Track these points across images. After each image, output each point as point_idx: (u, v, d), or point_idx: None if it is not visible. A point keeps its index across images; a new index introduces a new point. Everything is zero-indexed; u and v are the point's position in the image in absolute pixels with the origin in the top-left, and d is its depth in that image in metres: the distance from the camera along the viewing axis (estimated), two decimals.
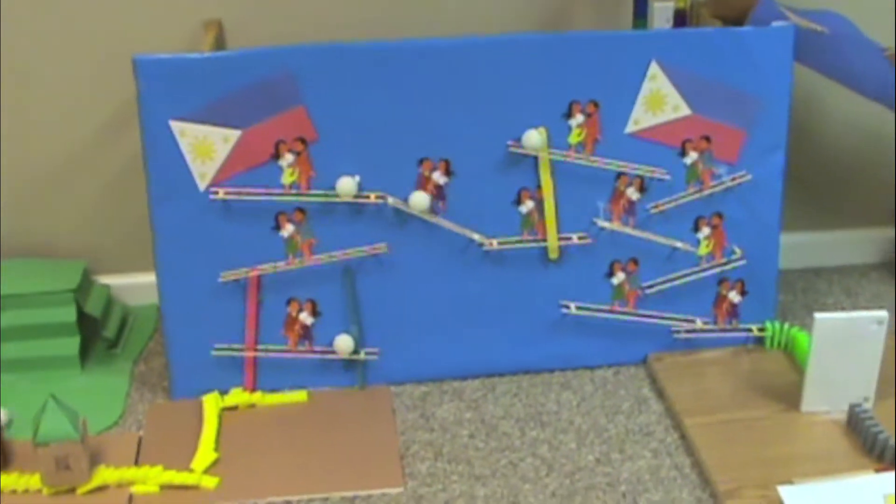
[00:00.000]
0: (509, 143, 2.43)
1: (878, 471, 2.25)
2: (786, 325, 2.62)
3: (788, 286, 2.91)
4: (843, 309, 2.81)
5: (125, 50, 2.38)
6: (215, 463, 2.32)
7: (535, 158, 2.45)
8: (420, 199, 2.39)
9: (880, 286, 2.95)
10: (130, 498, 2.22)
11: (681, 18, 2.56)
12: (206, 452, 2.32)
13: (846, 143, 2.96)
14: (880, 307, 2.68)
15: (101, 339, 2.62)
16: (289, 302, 2.49)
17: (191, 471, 2.28)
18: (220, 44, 2.57)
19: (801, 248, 3.02)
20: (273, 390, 2.52)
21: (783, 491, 2.18)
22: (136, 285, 2.74)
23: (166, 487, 2.25)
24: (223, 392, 2.49)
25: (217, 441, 2.37)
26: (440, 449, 2.36)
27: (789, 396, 2.46)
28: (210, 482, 2.25)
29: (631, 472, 2.29)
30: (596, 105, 2.43)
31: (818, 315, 2.35)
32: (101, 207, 2.74)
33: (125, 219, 2.66)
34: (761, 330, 2.64)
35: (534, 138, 2.39)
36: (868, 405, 2.42)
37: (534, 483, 2.26)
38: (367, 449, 2.37)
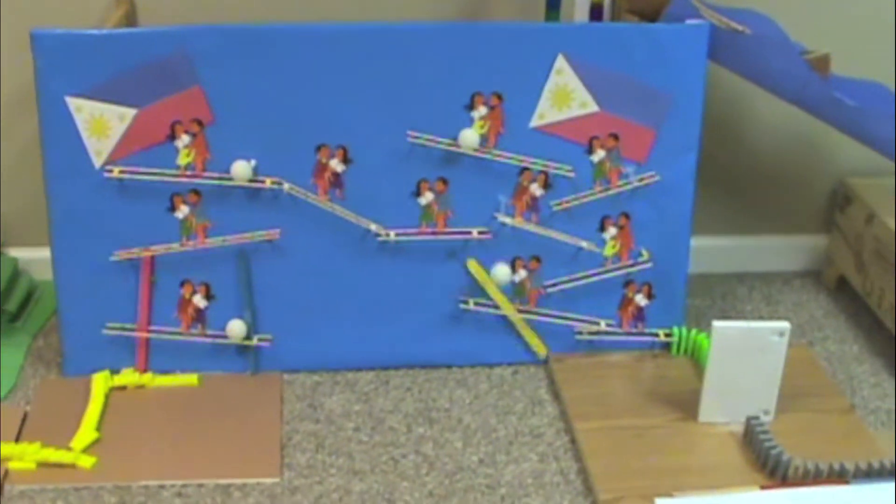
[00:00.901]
0: (410, 133, 2.35)
1: (763, 488, 2.18)
2: (693, 331, 2.54)
3: (707, 291, 2.86)
4: (760, 317, 2.75)
5: (35, 24, 2.32)
6: (96, 442, 2.29)
7: (436, 150, 2.39)
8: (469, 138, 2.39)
9: (802, 295, 2.90)
10: (6, 473, 2.20)
11: (597, 12, 2.50)
12: (87, 431, 2.30)
13: (776, 147, 2.91)
14: (800, 317, 2.66)
15: (3, 313, 2.56)
16: (182, 284, 2.46)
17: (69, 449, 2.25)
18: (130, 21, 2.54)
19: (724, 252, 2.97)
20: (165, 372, 2.48)
21: None
22: (46, 259, 2.69)
23: (43, 465, 2.22)
24: (115, 371, 2.46)
25: (101, 421, 2.34)
26: (323, 441, 2.32)
27: (688, 405, 2.41)
28: (87, 462, 2.23)
29: (514, 475, 2.25)
30: (500, 97, 2.38)
31: (716, 323, 2.30)
32: (13, 179, 2.72)
33: (37, 191, 2.61)
34: (668, 335, 2.59)
35: (469, 137, 2.34)
36: (767, 418, 2.37)
37: (412, 481, 2.22)
38: (250, 437, 2.34)
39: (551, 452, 2.31)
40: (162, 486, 2.19)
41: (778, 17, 2.50)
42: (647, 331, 2.59)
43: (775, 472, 2.24)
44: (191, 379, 2.46)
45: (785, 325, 2.29)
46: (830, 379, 2.58)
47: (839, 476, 2.21)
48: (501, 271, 2.39)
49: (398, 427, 2.36)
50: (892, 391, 2.56)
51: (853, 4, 2.73)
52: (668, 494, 2.15)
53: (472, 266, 2.44)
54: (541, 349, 2.53)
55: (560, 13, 2.52)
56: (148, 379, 2.46)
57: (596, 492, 2.20)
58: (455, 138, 2.39)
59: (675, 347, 2.59)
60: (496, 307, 2.49)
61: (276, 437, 2.32)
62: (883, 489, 2.16)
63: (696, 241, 2.73)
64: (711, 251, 2.90)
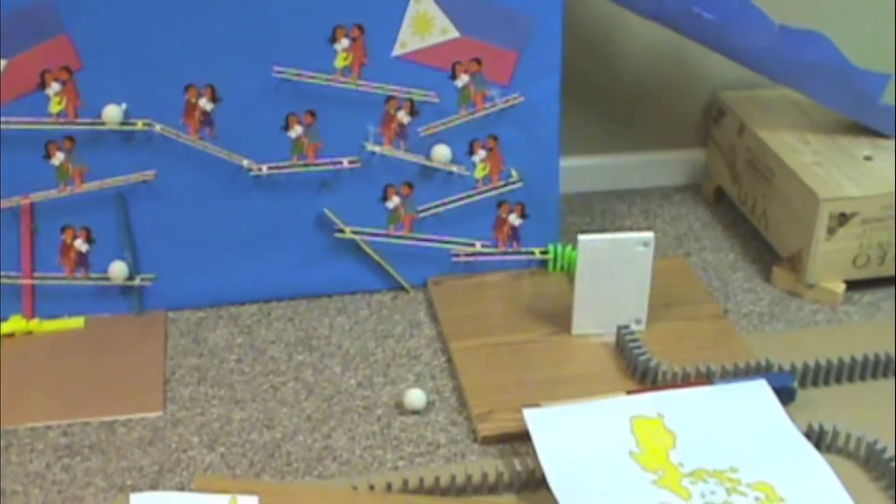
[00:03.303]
0: (276, 68, 2.40)
1: (629, 392, 2.25)
2: (568, 248, 2.61)
3: (587, 208, 2.94)
4: (638, 230, 2.81)
5: None
6: None
7: (302, 83, 2.47)
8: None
9: (681, 208, 2.98)
10: None
11: None
12: None
13: (649, 65, 2.98)
14: (678, 229, 2.81)
15: None
16: (63, 230, 2.50)
17: None
18: None
19: (603, 170, 3.05)
20: (52, 317, 2.52)
21: (528, 413, 2.18)
22: None
23: None
24: (2, 319, 2.49)
25: None
26: (206, 374, 2.38)
27: (564, 320, 2.48)
28: None
29: (390, 395, 2.32)
30: (361, 29, 2.43)
31: (581, 236, 2.37)
32: None
33: None
34: (544, 252, 2.66)
35: (442, 152, 2.44)
36: (639, 327, 2.44)
37: (291, 406, 2.28)
38: (134, 374, 2.39)
39: (428, 372, 2.38)
40: (48, 427, 2.24)
41: None
42: (523, 249, 2.65)
43: (644, 378, 2.31)
44: (77, 322, 2.51)
45: (649, 235, 2.36)
46: (705, 287, 2.65)
47: (706, 378, 2.27)
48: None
49: (279, 356, 2.42)
50: (765, 295, 2.63)
51: None
52: (536, 404, 2.19)
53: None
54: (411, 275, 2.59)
55: None
56: (35, 325, 2.50)
57: (469, 407, 2.26)
58: (321, 71, 2.44)
59: (551, 264, 2.66)
60: (372, 235, 2.52)
61: (160, 372, 2.38)
62: (745, 387, 2.24)
63: (574, 161, 2.83)
64: (590, 170, 2.97)
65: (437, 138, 2.54)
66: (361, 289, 2.63)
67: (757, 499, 1.97)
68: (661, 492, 1.99)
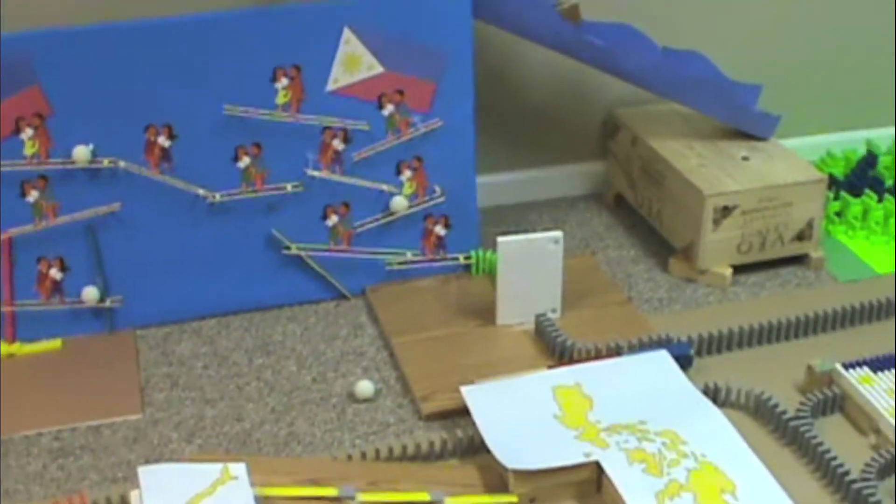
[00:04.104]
0: (225, 106, 2.74)
1: (550, 367, 2.61)
2: (488, 253, 2.96)
3: (503, 220, 3.27)
4: None
5: None
6: None
7: (249, 119, 2.81)
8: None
9: (586, 214, 3.35)
10: None
11: None
12: None
13: (551, 88, 3.33)
14: (585, 232, 3.20)
15: None
16: (39, 260, 2.79)
17: None
18: None
19: (516, 185, 3.39)
20: (31, 340, 2.80)
21: (465, 390, 2.52)
22: None
23: None
24: None
25: None
26: (177, 380, 2.68)
27: (488, 314, 2.82)
28: None
29: (342, 387, 2.64)
30: (298, 69, 2.77)
31: (500, 238, 2.71)
32: None
33: None
34: (467, 258, 2.99)
35: (365, 388, 2.68)
36: (555, 315, 2.79)
37: (256, 402, 2.60)
38: (112, 385, 2.68)
39: (373, 366, 2.71)
40: (41, 434, 2.53)
41: None
42: (448, 256, 3.00)
43: (563, 357, 2.66)
44: (55, 344, 2.80)
45: (558, 233, 2.72)
46: (611, 279, 3.01)
47: (615, 351, 2.63)
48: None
49: (241, 361, 2.74)
50: (663, 283, 3.02)
51: None
52: (471, 382, 2.54)
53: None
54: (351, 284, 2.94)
55: None
56: (17, 348, 2.78)
57: (413, 391, 2.60)
58: (265, 107, 2.79)
59: (474, 268, 3.00)
60: (315, 250, 2.87)
61: (136, 381, 2.67)
62: (649, 357, 2.61)
63: (490, 178, 3.19)
64: (505, 185, 3.33)
65: (370, 163, 2.87)
66: (308, 299, 2.94)
67: (663, 443, 2.33)
68: (584, 444, 2.34)
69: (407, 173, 2.89)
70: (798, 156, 3.13)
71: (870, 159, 3.46)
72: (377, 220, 2.91)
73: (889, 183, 3.34)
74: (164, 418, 2.56)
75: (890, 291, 2.88)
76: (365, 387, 2.59)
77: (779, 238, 3.02)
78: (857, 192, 3.31)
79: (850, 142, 3.61)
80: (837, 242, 3.22)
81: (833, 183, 3.31)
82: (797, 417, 2.48)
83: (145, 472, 2.14)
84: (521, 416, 2.45)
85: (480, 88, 2.94)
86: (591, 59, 3.03)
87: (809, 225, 3.03)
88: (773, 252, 3.06)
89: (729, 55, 3.25)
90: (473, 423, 2.44)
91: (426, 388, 2.61)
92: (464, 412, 2.50)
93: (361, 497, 2.19)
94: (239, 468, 2.16)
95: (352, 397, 2.63)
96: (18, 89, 2.67)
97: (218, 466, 2.15)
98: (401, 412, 2.57)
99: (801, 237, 3.05)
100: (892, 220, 3.22)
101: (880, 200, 3.26)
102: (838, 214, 3.28)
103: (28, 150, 2.71)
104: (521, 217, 3.31)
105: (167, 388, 2.66)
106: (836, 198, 3.29)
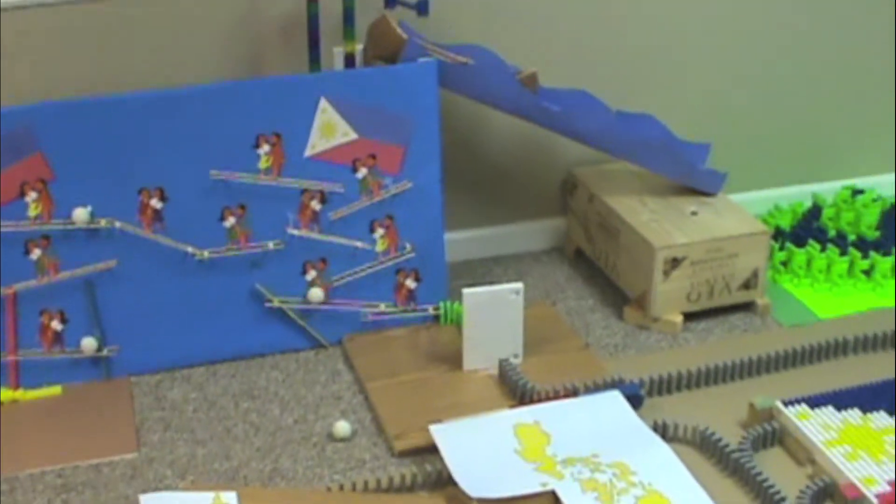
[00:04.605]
0: (212, 171, 2.99)
1: (511, 407, 2.85)
2: (456, 304, 3.20)
3: (471, 273, 3.51)
4: None
5: None
6: None
7: (234, 183, 3.04)
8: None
9: (548, 266, 3.59)
10: None
11: (350, 60, 3.14)
12: None
13: (513, 151, 3.56)
14: (546, 283, 3.41)
15: None
16: (41, 313, 3.01)
17: None
18: None
19: (481, 241, 3.63)
20: (33, 387, 3.01)
21: (433, 429, 2.75)
22: None
23: None
24: None
25: None
26: (169, 423, 2.90)
27: (456, 360, 3.05)
28: None
29: (322, 427, 2.87)
30: (279, 136, 3.02)
31: (465, 290, 2.95)
32: None
33: None
34: (436, 309, 3.23)
35: (343, 428, 2.90)
36: (517, 361, 3.02)
37: (243, 442, 2.83)
38: (110, 427, 2.90)
39: (350, 408, 2.95)
40: (44, 472, 2.74)
41: None
42: (418, 308, 3.23)
43: (523, 398, 2.89)
44: (55, 390, 3.01)
45: (519, 285, 2.96)
46: (570, 327, 3.25)
47: (571, 392, 2.87)
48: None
49: (228, 405, 2.97)
50: (618, 330, 3.26)
51: None
52: (439, 421, 2.78)
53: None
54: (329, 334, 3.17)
55: (321, 63, 3.14)
56: (20, 394, 2.99)
57: (386, 430, 2.83)
58: (248, 171, 3.03)
59: (442, 318, 3.23)
60: (299, 302, 3.11)
61: (131, 424, 2.89)
62: (602, 397, 2.84)
63: (458, 234, 3.42)
64: (471, 241, 3.57)
65: (345, 222, 3.11)
66: (290, 348, 3.17)
67: (614, 474, 2.57)
68: (542, 475, 2.58)
69: (380, 231, 3.13)
70: (744, 210, 3.36)
71: (815, 211, 3.69)
72: (353, 273, 3.14)
73: (832, 234, 3.56)
74: (158, 457, 2.78)
75: (829, 335, 3.11)
76: (342, 427, 2.80)
77: (726, 287, 3.24)
78: (802, 243, 3.53)
79: (797, 195, 3.85)
80: (783, 290, 3.44)
81: (779, 234, 3.56)
82: (739, 450, 2.69)
83: (147, 500, 2.38)
84: (485, 451, 2.67)
85: (447, 151, 3.20)
86: (548, 123, 3.26)
87: (755, 274, 3.24)
88: (721, 300, 3.28)
89: (680, 116, 3.51)
90: (442, 459, 2.66)
91: (398, 428, 2.83)
92: (433, 449, 2.72)
93: None
94: (230, 496, 2.40)
95: (330, 437, 2.84)
96: (23, 156, 2.90)
97: (210, 495, 2.39)
98: (375, 450, 2.80)
99: (747, 286, 3.26)
100: (834, 268, 3.47)
101: (823, 250, 3.47)
102: (784, 264, 3.49)
103: (32, 212, 2.93)
104: (487, 271, 3.55)
105: (160, 429, 2.87)
106: (782, 248, 3.51)
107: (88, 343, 3.02)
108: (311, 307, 3.12)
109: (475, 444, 2.69)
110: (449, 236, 3.26)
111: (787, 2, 3.63)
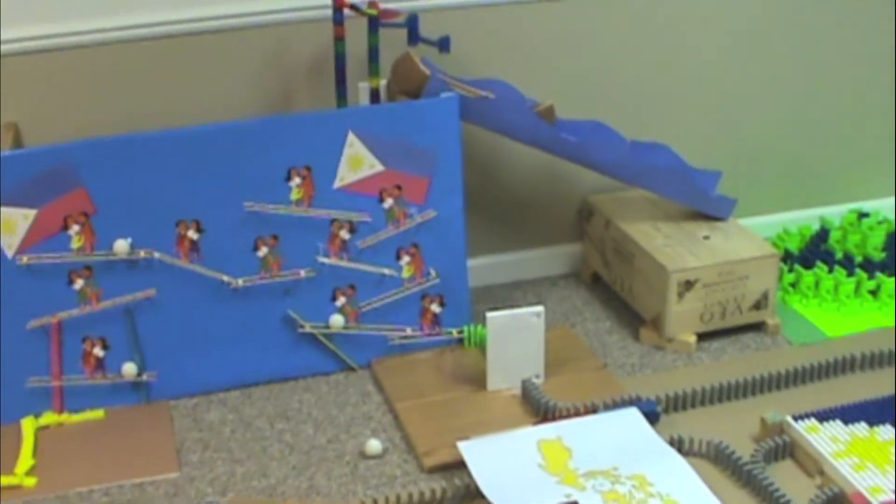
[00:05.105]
0: (245, 203, 3.14)
1: (534, 424, 2.98)
2: (479, 327, 3.33)
3: (491, 298, 3.64)
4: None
5: None
6: (34, 467, 2.95)
7: (266, 214, 3.16)
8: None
9: (565, 291, 3.73)
10: None
11: (375, 95, 3.29)
12: (25, 460, 2.95)
13: (531, 180, 3.69)
14: (564, 307, 3.53)
15: None
16: (84, 340, 3.14)
17: (14, 475, 2.91)
18: (17, 141, 3.20)
19: (502, 267, 3.76)
20: (77, 410, 3.15)
21: (461, 445, 2.88)
22: None
23: None
24: (37, 415, 3.12)
25: (35, 452, 2.99)
26: (208, 443, 3.03)
27: (480, 381, 3.18)
28: (30, 482, 2.88)
29: (354, 446, 3.00)
30: (309, 169, 3.16)
31: (489, 313, 3.08)
32: None
33: None
34: (460, 332, 3.36)
35: (374, 446, 3.03)
36: (539, 380, 3.15)
37: (279, 461, 2.96)
38: (151, 448, 3.02)
39: (381, 428, 3.08)
40: (91, 491, 2.86)
41: None
42: (443, 331, 3.36)
43: (546, 415, 3.01)
44: (98, 413, 3.14)
45: (540, 308, 3.10)
46: (588, 348, 3.38)
47: (591, 410, 3.01)
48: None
49: (263, 426, 3.10)
50: (635, 350, 3.38)
51: None
52: (467, 438, 2.91)
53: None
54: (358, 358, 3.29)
55: (347, 99, 3.28)
56: (65, 417, 3.12)
57: (416, 448, 2.96)
58: (280, 203, 3.15)
59: (466, 341, 3.36)
60: (327, 327, 3.26)
61: (171, 445, 3.02)
62: (621, 413, 2.96)
63: (479, 260, 3.55)
64: (492, 267, 3.71)
65: (373, 250, 3.24)
66: (321, 371, 3.30)
67: (633, 485, 2.70)
68: (564, 487, 2.71)
69: (405, 258, 3.27)
70: (754, 233, 3.48)
71: (822, 234, 3.82)
72: (381, 299, 3.27)
73: (839, 256, 3.70)
74: (199, 476, 2.91)
75: (837, 353, 3.23)
76: (374, 445, 2.94)
77: (737, 308, 3.37)
78: (810, 265, 3.66)
79: (805, 219, 3.98)
80: (792, 310, 3.57)
81: (788, 257, 3.69)
82: (751, 462, 2.81)
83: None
84: (511, 465, 2.80)
85: (469, 182, 3.33)
86: (565, 153, 3.38)
87: (765, 295, 3.37)
88: (733, 320, 3.40)
89: (691, 144, 3.64)
90: (469, 474, 2.78)
91: (427, 445, 2.96)
92: (461, 464, 2.84)
93: None
94: None
95: (362, 455, 2.96)
96: (66, 191, 3.04)
97: None
98: (406, 466, 2.93)
99: (757, 306, 3.39)
100: (842, 288, 3.58)
101: (831, 271, 3.61)
102: (793, 285, 3.62)
103: (75, 244, 3.07)
104: (507, 295, 3.68)
105: (200, 450, 3.00)
106: (791, 270, 3.64)
107: (129, 369, 3.15)
108: (341, 332, 3.21)
109: (501, 460, 2.81)
110: (471, 262, 3.38)
111: (793, 33, 3.75)
